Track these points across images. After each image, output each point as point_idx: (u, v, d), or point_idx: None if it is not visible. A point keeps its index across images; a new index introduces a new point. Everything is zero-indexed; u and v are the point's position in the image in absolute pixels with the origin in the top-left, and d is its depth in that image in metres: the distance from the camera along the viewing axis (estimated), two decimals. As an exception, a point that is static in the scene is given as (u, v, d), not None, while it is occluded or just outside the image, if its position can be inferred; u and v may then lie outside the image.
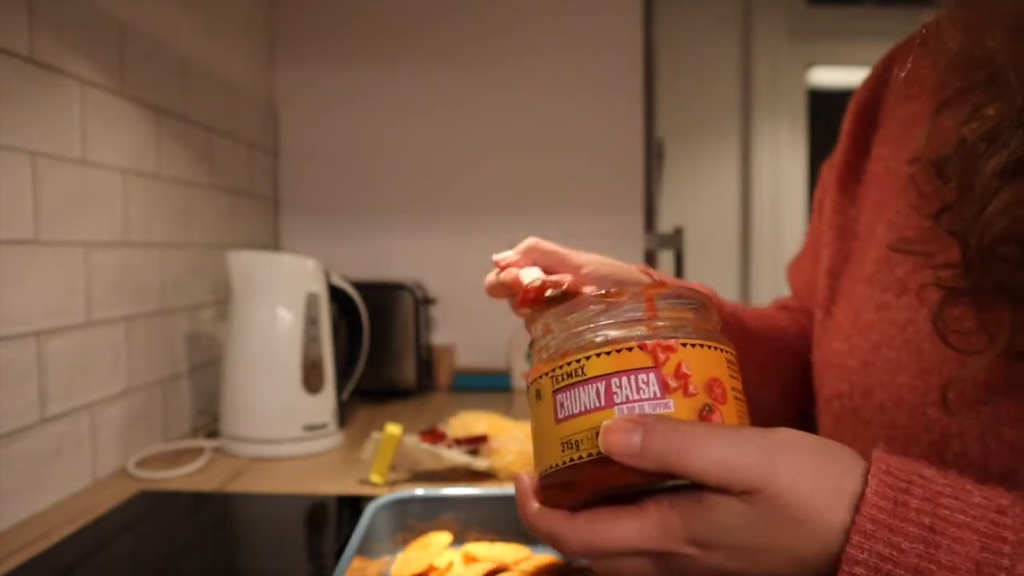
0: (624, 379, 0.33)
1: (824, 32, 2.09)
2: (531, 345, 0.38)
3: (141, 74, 0.97)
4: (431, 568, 0.56)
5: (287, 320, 0.99)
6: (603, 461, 0.32)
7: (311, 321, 1.00)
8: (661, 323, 0.34)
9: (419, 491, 0.64)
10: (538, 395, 0.36)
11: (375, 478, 0.84)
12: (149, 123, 0.99)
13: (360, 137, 1.52)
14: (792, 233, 2.09)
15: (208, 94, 1.18)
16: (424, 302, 1.42)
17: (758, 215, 2.09)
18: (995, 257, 0.36)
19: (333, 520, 0.79)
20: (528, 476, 0.37)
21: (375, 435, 0.85)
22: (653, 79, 1.52)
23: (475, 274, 1.51)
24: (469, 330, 1.52)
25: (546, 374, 0.35)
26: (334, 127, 1.52)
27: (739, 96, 2.09)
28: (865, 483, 0.31)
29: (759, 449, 0.32)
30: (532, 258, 0.53)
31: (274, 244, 1.51)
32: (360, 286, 1.16)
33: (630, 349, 0.33)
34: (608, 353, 0.33)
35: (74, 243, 0.83)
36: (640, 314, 0.34)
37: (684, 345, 0.34)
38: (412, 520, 0.63)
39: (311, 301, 1.01)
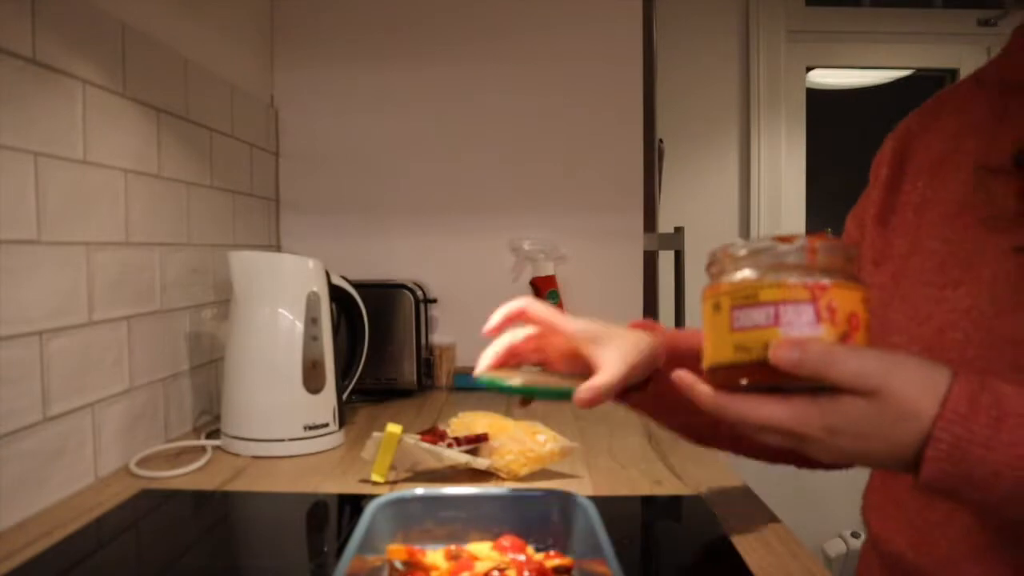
0: (789, 307, 0.44)
1: (824, 33, 2.09)
2: (712, 267, 0.49)
3: (142, 75, 0.97)
4: (431, 567, 0.56)
5: (288, 320, 0.99)
6: (767, 364, 0.43)
7: (312, 321, 1.01)
8: (819, 267, 0.45)
9: (419, 490, 0.64)
10: (716, 307, 0.47)
11: (376, 477, 0.85)
12: (150, 124, 0.99)
13: (360, 137, 1.52)
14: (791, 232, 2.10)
15: (209, 95, 1.18)
16: (424, 302, 1.42)
17: (757, 215, 2.09)
18: None
19: (334, 519, 0.79)
20: (686, 372, 0.49)
21: (376, 434, 0.86)
22: (653, 79, 1.52)
23: (475, 274, 1.53)
24: (469, 330, 1.52)
25: (727, 293, 0.46)
26: (334, 127, 1.52)
27: (739, 96, 2.09)
28: (951, 388, 0.42)
29: (882, 363, 0.43)
30: (524, 320, 0.65)
31: (274, 244, 1.51)
32: (360, 286, 1.17)
33: (795, 286, 0.44)
34: (779, 287, 0.44)
35: (76, 243, 0.84)
36: (803, 259, 0.45)
37: (835, 285, 0.44)
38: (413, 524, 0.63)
39: (312, 301, 1.01)
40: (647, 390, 0.66)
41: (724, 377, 0.47)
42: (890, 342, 0.60)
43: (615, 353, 0.61)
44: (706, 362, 0.48)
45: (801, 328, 0.44)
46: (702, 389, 0.48)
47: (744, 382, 0.46)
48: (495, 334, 0.66)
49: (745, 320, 0.45)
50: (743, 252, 0.46)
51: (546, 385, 0.65)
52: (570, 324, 0.64)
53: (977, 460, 0.41)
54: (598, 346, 0.62)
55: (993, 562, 0.52)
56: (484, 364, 0.66)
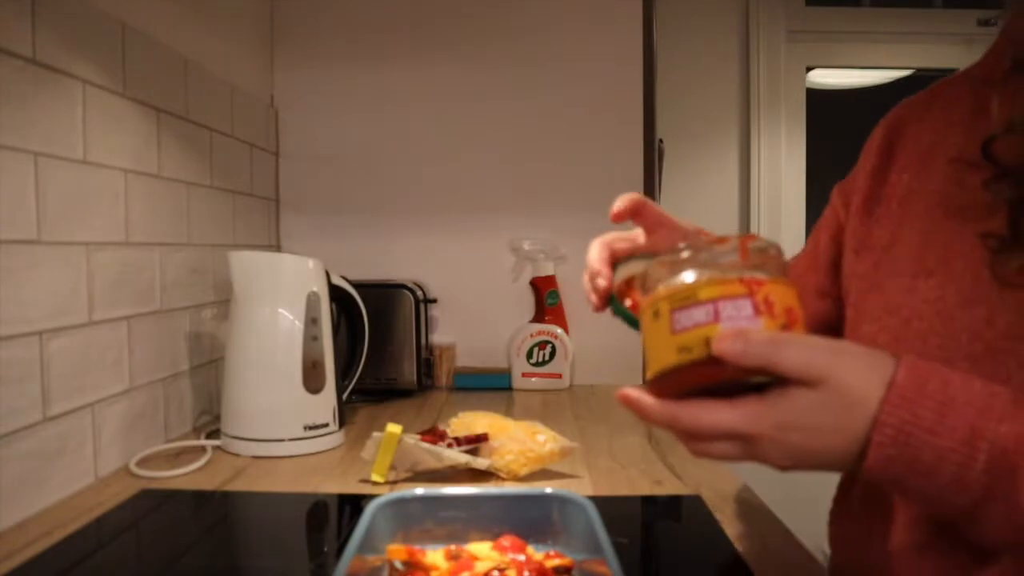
0: (728, 303, 0.45)
1: (824, 33, 2.09)
2: (646, 280, 0.49)
3: (142, 75, 0.97)
4: (431, 567, 0.56)
5: (288, 320, 0.99)
6: (711, 361, 0.43)
7: (312, 321, 1.01)
8: (752, 264, 0.46)
9: (419, 490, 0.64)
10: (656, 314, 0.47)
11: (376, 477, 0.85)
12: (150, 124, 0.99)
13: (360, 137, 1.52)
14: (791, 232, 2.09)
15: (209, 95, 1.18)
16: (424, 302, 1.42)
17: (757, 215, 2.09)
18: None
19: (334, 519, 0.79)
20: (632, 388, 0.47)
21: (376, 434, 0.86)
22: (653, 79, 1.52)
23: (475, 274, 1.53)
24: (469, 330, 1.52)
25: (665, 298, 0.47)
26: (334, 127, 1.52)
27: (739, 96, 2.09)
28: (897, 373, 0.42)
29: (827, 350, 0.42)
30: (640, 211, 0.65)
31: (274, 244, 1.52)
32: (360, 286, 1.17)
33: (732, 281, 0.45)
34: (717, 284, 0.45)
35: (76, 243, 0.84)
36: (737, 257, 0.46)
37: (770, 281, 0.45)
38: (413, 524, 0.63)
39: (312, 301, 1.01)
40: None
41: (669, 384, 0.46)
42: (860, 332, 0.61)
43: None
44: (649, 373, 0.47)
45: (740, 322, 0.44)
46: (648, 401, 0.46)
47: (689, 386, 0.45)
48: (620, 220, 0.65)
49: (686, 321, 0.45)
50: (680, 257, 0.47)
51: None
52: (681, 221, 0.66)
53: (921, 445, 0.41)
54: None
55: None
56: (599, 292, 0.65)
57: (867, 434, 0.42)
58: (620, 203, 0.64)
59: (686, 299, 0.46)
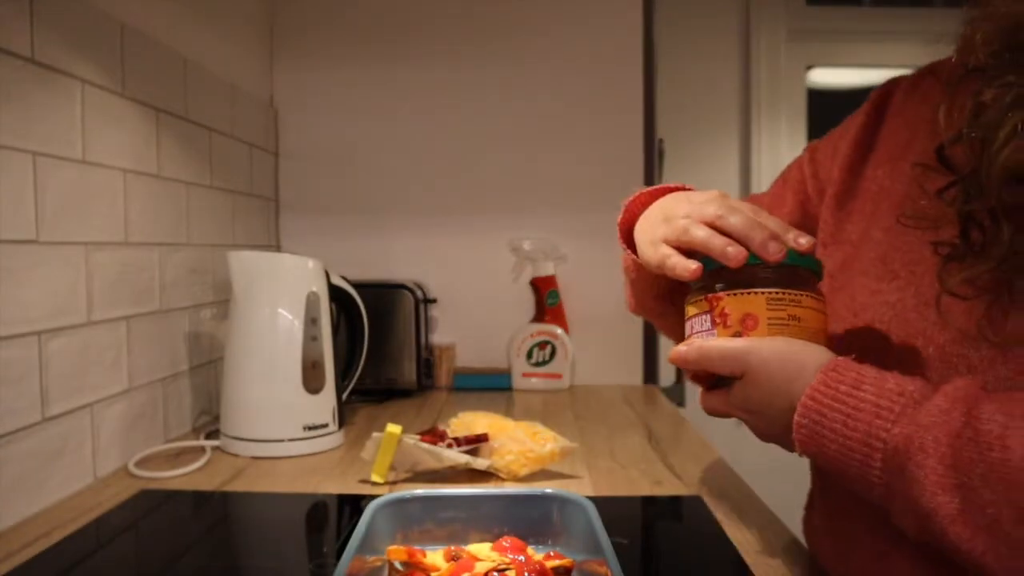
0: (696, 319, 0.56)
1: (824, 33, 2.09)
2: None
3: (142, 75, 0.97)
4: (431, 568, 0.56)
5: (287, 320, 0.99)
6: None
7: (311, 321, 1.01)
8: (720, 281, 0.55)
9: (419, 491, 0.64)
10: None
11: (375, 477, 0.85)
12: (150, 123, 0.99)
13: (360, 137, 1.52)
14: (792, 233, 2.10)
15: (208, 94, 1.18)
16: (424, 302, 1.42)
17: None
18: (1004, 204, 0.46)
19: (333, 519, 0.79)
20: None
21: (375, 435, 0.86)
22: (653, 79, 1.52)
23: (475, 274, 1.53)
24: (469, 330, 1.52)
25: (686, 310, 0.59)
26: (334, 127, 1.52)
27: (739, 96, 2.09)
28: (816, 376, 0.48)
29: (742, 347, 0.52)
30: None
31: (274, 244, 1.51)
32: (360, 286, 1.16)
33: (700, 300, 0.56)
34: (693, 303, 0.57)
35: (75, 243, 0.84)
36: (702, 281, 0.56)
37: (728, 295, 0.54)
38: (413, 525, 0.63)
39: (311, 301, 1.01)
40: None
41: (689, 375, 0.60)
42: (829, 331, 0.62)
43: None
44: None
45: (701, 333, 0.55)
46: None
47: (691, 377, 0.60)
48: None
49: (687, 330, 0.58)
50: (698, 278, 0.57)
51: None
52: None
53: (830, 444, 0.46)
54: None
55: None
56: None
57: (791, 428, 0.49)
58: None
59: (685, 313, 0.59)
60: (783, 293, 0.53)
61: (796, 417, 0.48)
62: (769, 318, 0.52)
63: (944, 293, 0.49)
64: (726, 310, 0.53)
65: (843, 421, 0.46)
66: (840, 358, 0.49)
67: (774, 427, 0.52)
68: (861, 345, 0.56)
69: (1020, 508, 0.38)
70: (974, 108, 0.48)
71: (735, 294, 0.53)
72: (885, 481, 0.44)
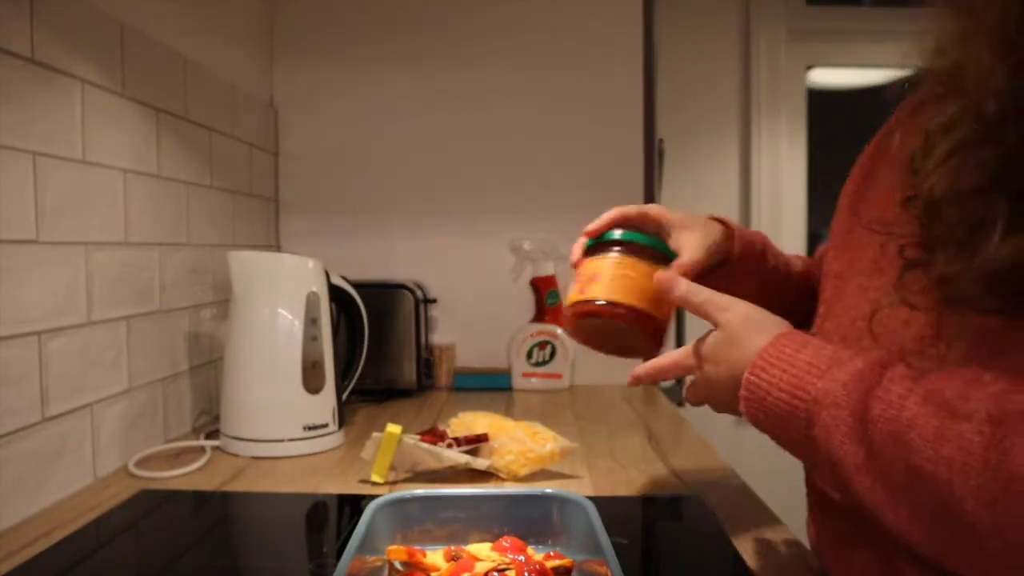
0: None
1: (824, 33, 2.09)
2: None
3: (142, 75, 0.97)
4: (431, 568, 0.56)
5: (287, 320, 0.99)
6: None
7: (311, 321, 1.01)
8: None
9: (419, 491, 0.64)
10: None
11: (375, 477, 0.85)
12: (150, 123, 0.99)
13: (360, 137, 1.52)
14: (791, 232, 2.09)
15: (208, 94, 1.18)
16: (424, 302, 1.42)
17: (758, 215, 2.08)
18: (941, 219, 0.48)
19: (333, 519, 0.79)
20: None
21: (375, 435, 0.86)
22: (653, 79, 1.52)
23: (475, 274, 1.53)
24: (469, 330, 1.52)
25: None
26: (334, 127, 1.52)
27: (739, 96, 2.09)
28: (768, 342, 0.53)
29: (723, 305, 0.58)
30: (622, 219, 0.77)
31: (274, 244, 1.51)
32: (360, 286, 1.16)
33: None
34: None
35: (75, 243, 0.84)
36: None
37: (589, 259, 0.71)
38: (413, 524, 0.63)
39: (311, 301, 1.01)
40: (716, 273, 0.74)
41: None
42: (823, 327, 0.64)
43: (697, 239, 0.71)
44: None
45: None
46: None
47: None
48: (593, 235, 0.75)
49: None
50: None
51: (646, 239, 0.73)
52: (667, 210, 0.75)
53: (769, 400, 0.50)
54: (685, 231, 0.71)
55: None
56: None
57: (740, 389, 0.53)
58: (596, 223, 0.76)
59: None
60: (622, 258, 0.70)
61: (746, 374, 0.52)
62: (613, 275, 0.68)
63: (899, 301, 0.51)
64: (584, 271, 0.71)
65: (780, 376, 0.50)
66: (790, 329, 0.54)
67: (725, 387, 0.56)
68: (846, 342, 0.57)
69: (908, 464, 0.41)
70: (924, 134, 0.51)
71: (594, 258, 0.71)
72: (809, 434, 0.47)
